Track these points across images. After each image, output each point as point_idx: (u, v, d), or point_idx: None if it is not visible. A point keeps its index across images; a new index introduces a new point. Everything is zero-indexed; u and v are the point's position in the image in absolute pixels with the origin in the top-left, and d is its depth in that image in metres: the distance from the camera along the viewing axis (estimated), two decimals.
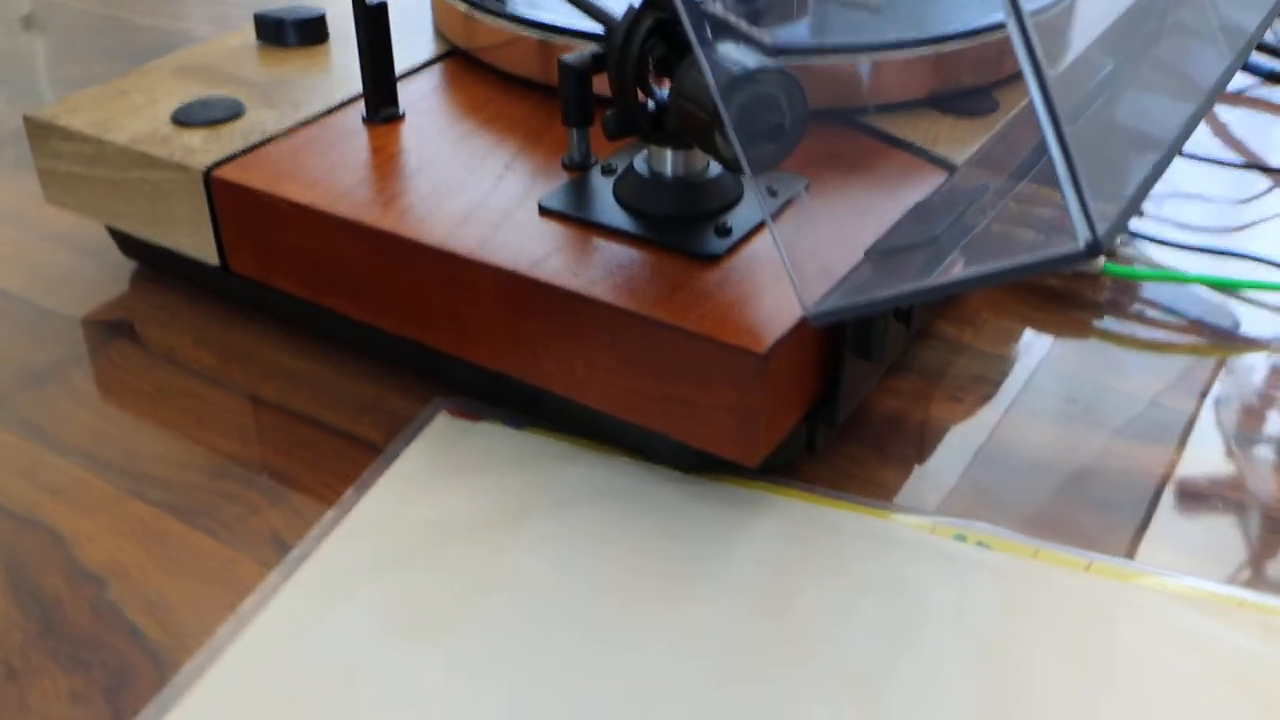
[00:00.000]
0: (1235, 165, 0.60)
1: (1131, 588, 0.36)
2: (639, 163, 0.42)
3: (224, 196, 0.45)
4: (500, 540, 0.38)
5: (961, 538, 0.38)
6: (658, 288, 0.38)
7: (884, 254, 0.37)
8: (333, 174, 0.44)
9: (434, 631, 0.35)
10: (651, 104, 0.39)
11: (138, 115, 0.49)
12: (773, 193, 0.42)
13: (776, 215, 0.41)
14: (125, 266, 0.52)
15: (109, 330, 0.49)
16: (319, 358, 0.47)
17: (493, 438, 0.42)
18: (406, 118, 0.48)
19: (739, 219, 0.40)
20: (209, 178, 0.45)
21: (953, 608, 0.36)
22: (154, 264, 0.52)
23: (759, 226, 0.40)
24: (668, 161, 0.41)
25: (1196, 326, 0.48)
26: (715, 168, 0.41)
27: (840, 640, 0.35)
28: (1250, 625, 0.35)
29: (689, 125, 0.37)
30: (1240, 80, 0.68)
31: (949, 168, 0.44)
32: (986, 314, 0.49)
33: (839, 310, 0.34)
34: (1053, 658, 0.34)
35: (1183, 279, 0.49)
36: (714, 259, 0.39)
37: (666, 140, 0.40)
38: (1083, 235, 0.30)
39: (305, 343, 0.47)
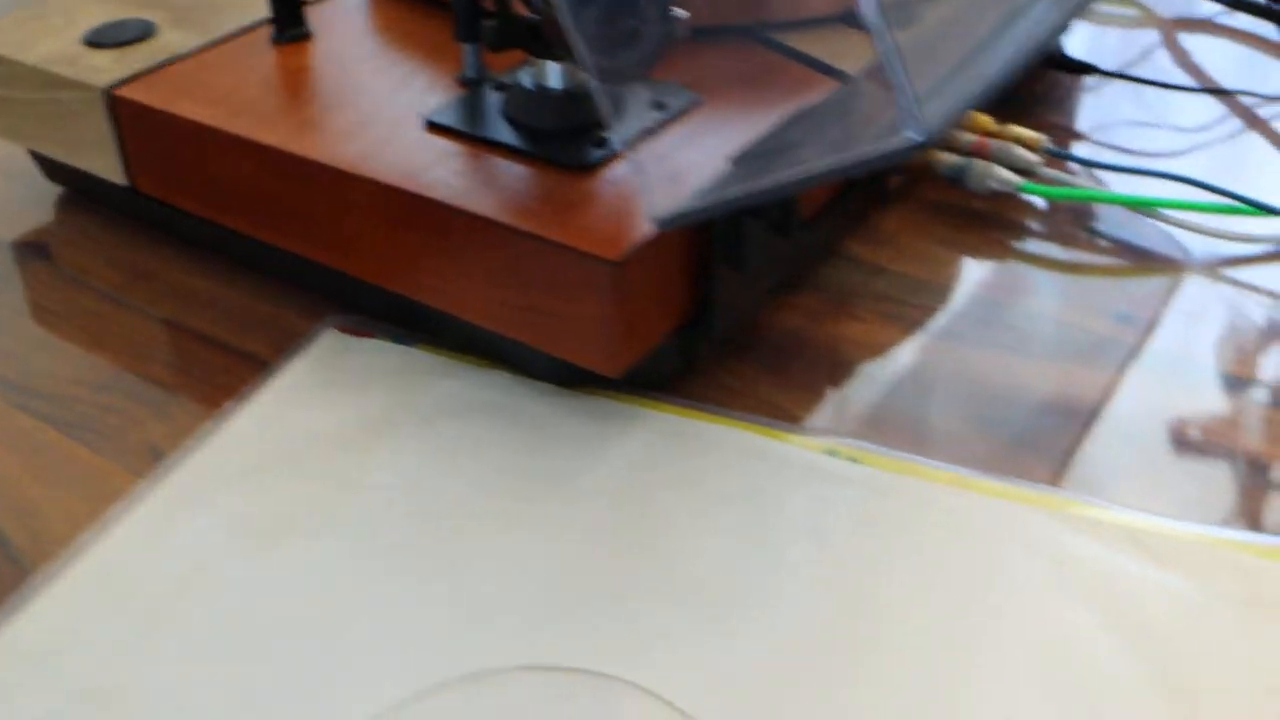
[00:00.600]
0: (1189, 89, 0.59)
1: (998, 501, 0.36)
2: (524, 76, 0.41)
3: (126, 115, 0.45)
4: (363, 451, 0.38)
5: (833, 453, 0.38)
6: (527, 199, 0.37)
7: (743, 160, 0.37)
8: (231, 93, 0.44)
9: (281, 539, 0.35)
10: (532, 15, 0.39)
11: (53, 37, 0.49)
12: (661, 106, 0.41)
13: (661, 128, 0.40)
14: (50, 191, 0.53)
15: (25, 252, 0.49)
16: (222, 277, 0.47)
17: (377, 353, 0.42)
18: (315, 38, 0.48)
19: (627, 131, 0.40)
20: (111, 97, 0.45)
21: (809, 519, 0.35)
22: (75, 186, 0.52)
23: (639, 138, 0.40)
24: (550, 74, 0.40)
25: (1117, 248, 0.47)
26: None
27: (691, 549, 0.34)
28: (1117, 540, 0.34)
29: (553, 33, 0.37)
30: (1207, 8, 0.66)
31: (846, 81, 0.43)
32: (905, 235, 0.48)
33: (684, 214, 0.34)
34: (905, 568, 0.34)
35: (1099, 198, 0.48)
36: (588, 170, 0.38)
37: (546, 52, 0.40)
38: (909, 131, 0.29)
39: (210, 262, 0.48)
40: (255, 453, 0.38)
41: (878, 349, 0.42)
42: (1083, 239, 0.48)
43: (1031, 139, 0.50)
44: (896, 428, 0.39)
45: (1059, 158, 0.50)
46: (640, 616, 0.32)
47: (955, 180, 0.48)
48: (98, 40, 0.48)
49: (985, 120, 0.50)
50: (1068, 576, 0.33)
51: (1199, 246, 0.47)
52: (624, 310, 0.36)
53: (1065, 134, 0.55)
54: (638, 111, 0.41)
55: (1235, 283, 0.45)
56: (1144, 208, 0.48)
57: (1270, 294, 0.45)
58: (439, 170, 0.39)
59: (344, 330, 0.43)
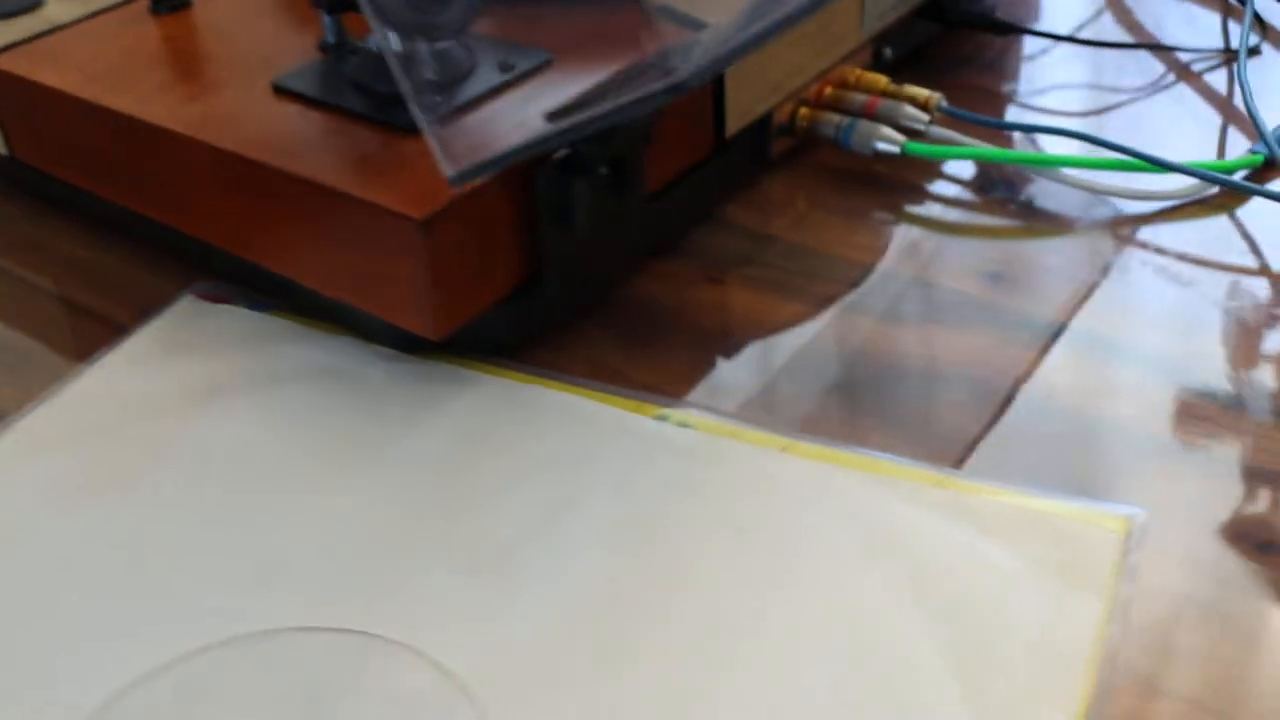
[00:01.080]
0: (1122, 45, 0.57)
1: (822, 466, 0.35)
2: (371, 41, 0.41)
3: (1, 86, 0.45)
4: (195, 415, 0.37)
5: (664, 418, 0.37)
6: (351, 161, 0.37)
7: (557, 115, 0.36)
8: (92, 60, 0.44)
9: (97, 499, 0.35)
10: None
11: None
12: (509, 67, 0.40)
13: (506, 88, 0.40)
14: None
15: None
16: (98, 245, 0.47)
17: (231, 319, 0.42)
18: (195, 8, 0.48)
19: (464, 93, 0.39)
20: None
21: (624, 484, 0.35)
22: None
23: (481, 98, 0.39)
24: (390, 38, 0.40)
25: (1008, 209, 0.46)
26: (445, 42, 0.40)
27: (499, 514, 0.34)
28: (939, 507, 0.33)
29: None
30: None
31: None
32: (788, 200, 0.47)
33: (476, 167, 0.33)
34: (712, 534, 0.33)
35: (985, 156, 0.47)
36: (418, 132, 0.38)
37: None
38: (666, 79, 0.29)
39: (89, 231, 0.48)
40: (91, 415, 0.38)
41: (738, 314, 0.41)
42: (973, 201, 0.47)
43: (926, 98, 0.49)
44: (738, 394, 0.38)
45: (952, 117, 0.49)
46: (432, 582, 0.32)
47: (842, 143, 0.47)
48: None
49: (879, 80, 0.49)
50: (880, 543, 0.32)
51: (1092, 205, 0.46)
52: (438, 271, 0.35)
53: (989, 96, 0.53)
54: (485, 73, 0.40)
55: (1125, 240, 0.44)
56: (1034, 165, 0.46)
57: (1159, 250, 0.43)
58: (274, 135, 0.39)
59: (202, 297, 0.43)
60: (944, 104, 0.49)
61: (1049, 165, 0.46)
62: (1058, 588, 0.31)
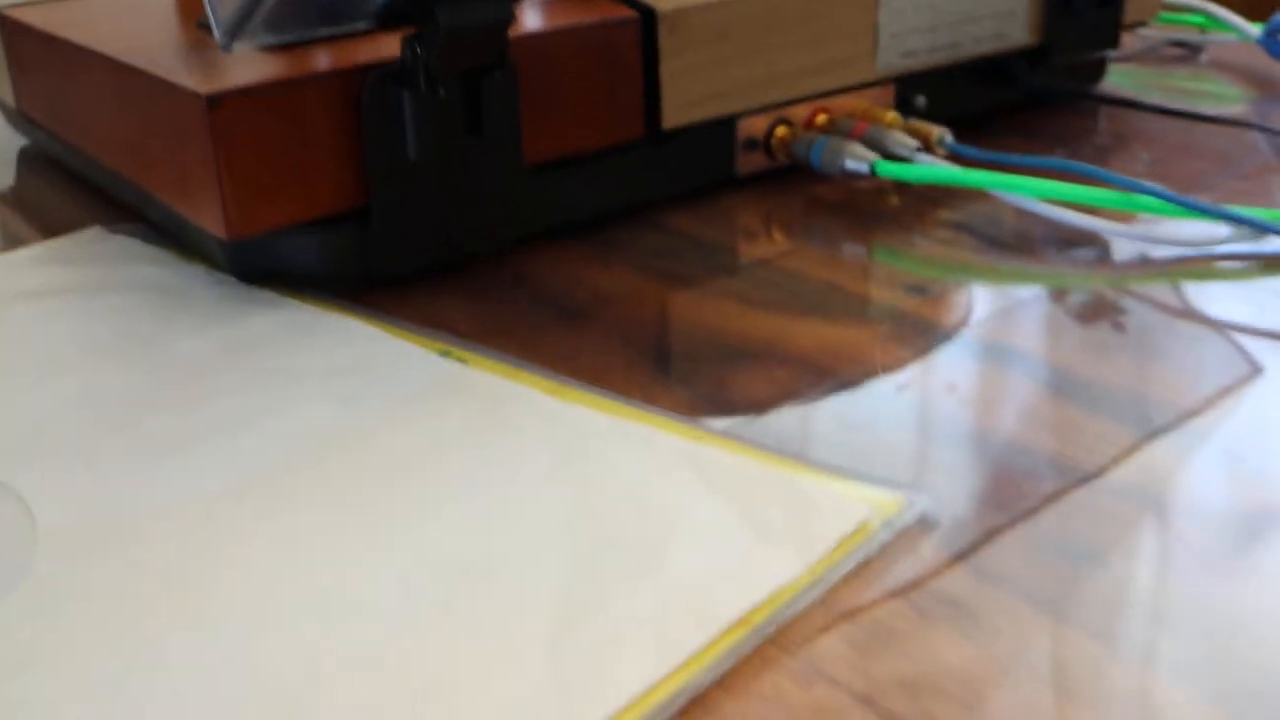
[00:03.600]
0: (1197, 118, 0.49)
1: (579, 409, 0.29)
2: None
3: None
4: (14, 305, 0.36)
5: (446, 353, 0.33)
6: (187, 60, 0.36)
7: None
8: None
9: None
10: None
11: None
12: None
13: None
14: None
15: None
16: (81, 198, 0.48)
17: (113, 245, 0.41)
18: None
19: None
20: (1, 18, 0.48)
21: (352, 396, 0.30)
22: None
23: None
24: None
25: (973, 237, 0.39)
26: None
27: (212, 405, 0.30)
28: (670, 458, 0.27)
29: None
30: None
31: None
32: (739, 212, 0.42)
33: (238, 14, 0.31)
34: (411, 442, 0.28)
35: (954, 179, 0.40)
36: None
37: None
38: None
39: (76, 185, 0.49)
40: None
41: (611, 293, 0.36)
42: (936, 227, 0.40)
43: (928, 132, 0.43)
44: (555, 355, 0.33)
45: (956, 154, 0.43)
46: (100, 453, 0.29)
47: (812, 163, 0.42)
48: None
49: (887, 114, 0.44)
50: (569, 470, 0.27)
51: (1067, 240, 0.38)
52: (230, 157, 0.33)
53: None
54: None
55: (1078, 272, 0.36)
56: (1021, 194, 0.39)
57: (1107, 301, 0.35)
58: (146, 45, 0.38)
59: (108, 229, 0.42)
60: (949, 139, 0.43)
61: (1019, 193, 0.39)
62: (753, 544, 0.24)
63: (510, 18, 0.34)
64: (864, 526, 0.25)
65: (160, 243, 0.41)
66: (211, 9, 0.32)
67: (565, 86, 0.38)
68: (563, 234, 0.40)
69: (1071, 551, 0.24)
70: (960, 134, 0.47)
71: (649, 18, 0.39)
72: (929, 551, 0.24)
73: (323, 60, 0.35)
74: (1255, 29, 0.57)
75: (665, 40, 0.40)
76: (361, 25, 0.36)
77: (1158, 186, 0.38)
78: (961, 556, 0.24)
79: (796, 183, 0.44)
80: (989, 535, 0.25)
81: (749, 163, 0.43)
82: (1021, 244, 0.39)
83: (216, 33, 0.32)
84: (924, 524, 0.25)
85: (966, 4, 0.47)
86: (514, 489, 0.26)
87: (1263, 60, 0.59)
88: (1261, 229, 0.36)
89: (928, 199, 0.42)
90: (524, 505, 0.26)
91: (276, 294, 0.36)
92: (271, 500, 0.26)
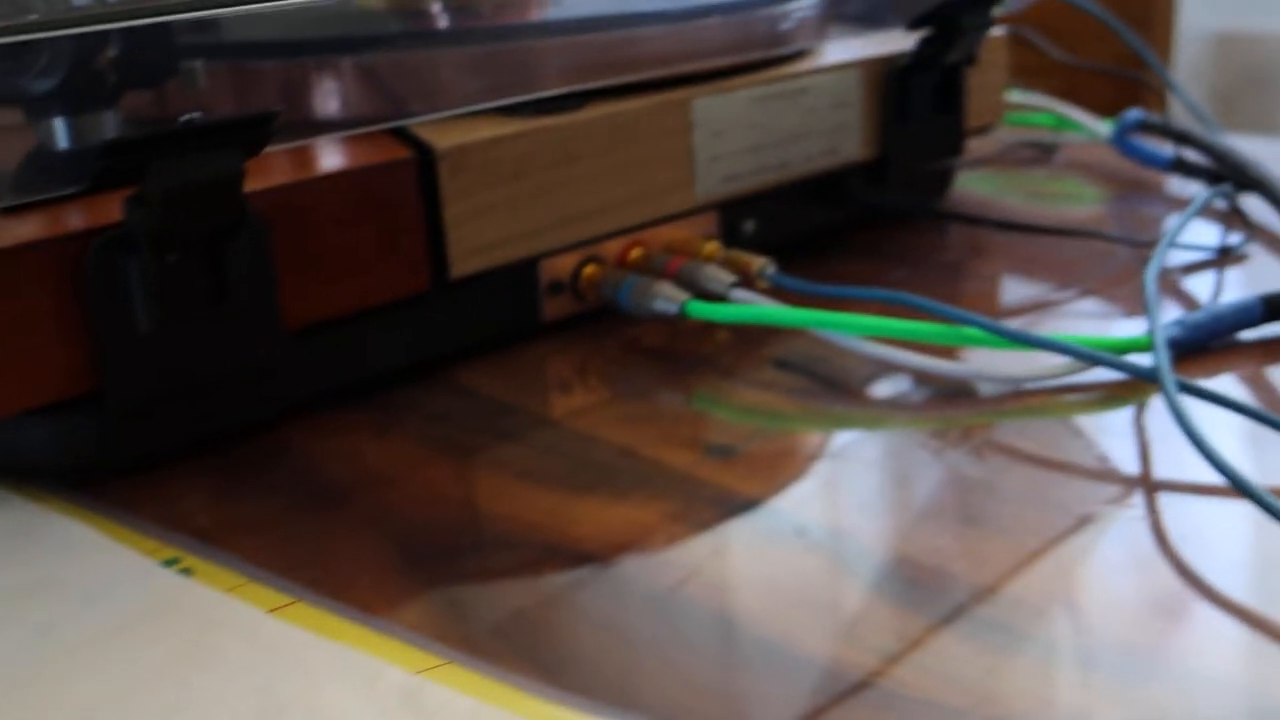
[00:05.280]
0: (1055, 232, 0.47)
1: (306, 637, 0.25)
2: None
3: None
4: None
5: (173, 561, 0.28)
6: None
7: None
8: None
9: None
10: None
11: None
12: None
13: None
14: None
15: None
16: None
17: None
18: None
19: None
20: None
21: (66, 632, 0.26)
22: None
23: None
24: None
25: (798, 380, 0.36)
26: None
27: None
28: (388, 694, 0.23)
29: None
30: None
31: None
32: (540, 366, 0.38)
33: None
34: (99, 645, 0.24)
35: (775, 319, 0.37)
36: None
37: None
38: None
39: None
40: None
41: (374, 470, 0.32)
42: (757, 367, 0.37)
43: (749, 263, 0.40)
44: (307, 548, 0.29)
45: (780, 286, 0.39)
46: None
47: (620, 304, 0.39)
48: None
49: (708, 245, 0.41)
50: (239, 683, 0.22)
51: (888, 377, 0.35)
52: None
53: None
54: None
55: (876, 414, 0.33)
56: (826, 329, 0.36)
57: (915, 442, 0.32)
58: None
59: None
60: (771, 271, 0.40)
61: (836, 329, 0.36)
62: None
63: (239, 172, 0.31)
64: None
65: None
66: None
67: (332, 239, 0.34)
68: (345, 398, 0.36)
69: None
70: (797, 256, 0.44)
71: (427, 157, 0.36)
72: None
73: (36, 226, 0.31)
74: (1106, 126, 0.55)
75: (447, 182, 0.36)
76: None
77: (982, 318, 0.35)
78: None
79: (613, 325, 0.40)
80: None
81: (556, 307, 0.40)
82: (845, 384, 0.36)
83: None
84: None
85: (793, 120, 0.44)
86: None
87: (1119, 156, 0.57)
88: (1090, 360, 0.34)
89: (750, 337, 0.39)
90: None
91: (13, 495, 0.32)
92: None
